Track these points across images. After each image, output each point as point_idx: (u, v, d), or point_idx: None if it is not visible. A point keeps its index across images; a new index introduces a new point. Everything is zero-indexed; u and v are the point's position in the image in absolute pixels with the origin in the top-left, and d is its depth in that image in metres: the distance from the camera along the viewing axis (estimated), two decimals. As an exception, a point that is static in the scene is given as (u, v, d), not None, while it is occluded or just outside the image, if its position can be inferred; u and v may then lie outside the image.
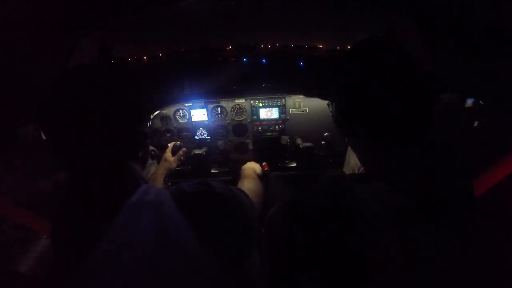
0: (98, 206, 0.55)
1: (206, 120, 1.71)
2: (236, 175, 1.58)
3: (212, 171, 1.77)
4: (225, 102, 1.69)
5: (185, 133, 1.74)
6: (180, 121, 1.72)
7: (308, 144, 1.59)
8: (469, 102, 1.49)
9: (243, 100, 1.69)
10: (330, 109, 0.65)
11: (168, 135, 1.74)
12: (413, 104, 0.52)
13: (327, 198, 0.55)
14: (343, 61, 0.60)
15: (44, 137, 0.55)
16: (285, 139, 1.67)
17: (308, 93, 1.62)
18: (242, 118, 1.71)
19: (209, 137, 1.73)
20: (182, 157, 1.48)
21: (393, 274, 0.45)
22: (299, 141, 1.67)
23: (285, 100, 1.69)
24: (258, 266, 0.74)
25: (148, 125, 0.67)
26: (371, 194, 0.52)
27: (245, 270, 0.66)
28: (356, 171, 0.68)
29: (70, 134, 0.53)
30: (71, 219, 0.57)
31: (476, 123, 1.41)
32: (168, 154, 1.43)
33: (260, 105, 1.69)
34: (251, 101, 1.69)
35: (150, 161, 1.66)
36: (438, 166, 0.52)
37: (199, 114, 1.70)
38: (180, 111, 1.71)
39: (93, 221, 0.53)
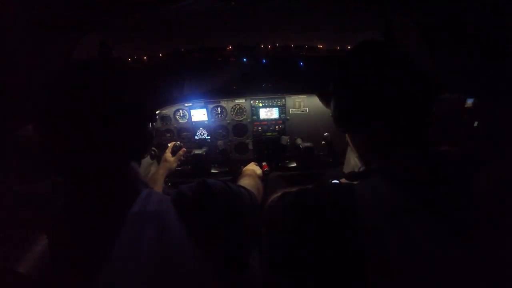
0: (98, 215, 0.54)
1: (206, 120, 1.71)
2: (236, 175, 1.59)
3: (212, 171, 1.77)
4: (225, 102, 1.69)
5: (185, 133, 1.74)
6: (180, 121, 1.72)
7: (308, 144, 1.59)
8: (469, 102, 1.49)
9: (243, 100, 1.69)
10: (328, 106, 0.66)
11: (168, 135, 1.74)
12: (412, 102, 0.53)
13: (326, 191, 0.56)
14: (344, 59, 0.61)
15: (40, 140, 0.54)
16: (285, 139, 1.67)
17: (313, 90, 1.61)
18: (242, 118, 1.71)
19: (209, 137, 1.73)
20: (182, 157, 1.48)
21: (390, 269, 0.45)
22: (299, 141, 1.67)
23: (285, 100, 1.69)
24: (258, 268, 0.74)
25: (152, 126, 0.66)
26: (369, 189, 0.52)
27: (246, 273, 0.66)
28: (356, 171, 0.69)
29: (68, 136, 0.52)
30: (71, 228, 0.56)
31: (476, 123, 1.41)
32: (168, 154, 1.43)
33: (260, 105, 1.69)
34: (251, 101, 1.69)
35: (150, 161, 1.67)
36: (437, 163, 0.53)
37: (199, 114, 1.70)
38: (180, 111, 1.71)
39: (94, 231, 0.53)
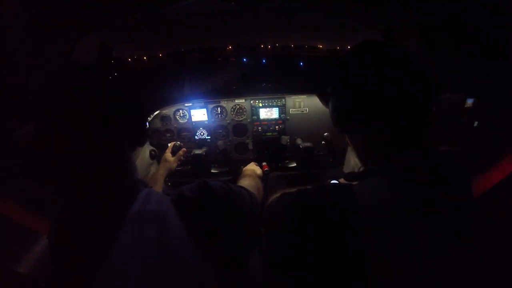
0: (98, 215, 0.54)
1: (206, 120, 1.71)
2: (236, 175, 1.59)
3: (212, 171, 1.77)
4: (225, 102, 1.69)
5: (185, 133, 1.74)
6: (180, 121, 1.72)
7: (308, 144, 1.59)
8: (469, 102, 1.49)
9: (243, 100, 1.68)
10: (328, 106, 0.66)
11: (168, 135, 1.73)
12: (412, 102, 0.53)
13: (326, 191, 0.56)
14: (343, 59, 0.61)
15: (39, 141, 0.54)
16: (285, 139, 1.66)
17: (313, 90, 1.61)
18: (242, 118, 1.71)
19: (209, 137, 1.73)
20: (182, 157, 1.48)
21: (389, 269, 0.45)
22: (299, 141, 1.67)
23: (285, 100, 1.69)
24: (258, 268, 0.74)
25: (146, 126, 0.66)
26: (369, 189, 0.52)
27: (246, 273, 0.66)
28: (356, 171, 0.69)
29: (68, 136, 0.52)
30: (71, 228, 0.56)
31: (476, 123, 1.41)
32: (168, 154, 1.43)
33: (260, 105, 1.69)
34: (251, 101, 1.69)
35: (150, 161, 1.67)
36: (437, 163, 0.53)
37: (199, 114, 1.70)
38: (180, 111, 1.71)
39: (93, 231, 0.53)
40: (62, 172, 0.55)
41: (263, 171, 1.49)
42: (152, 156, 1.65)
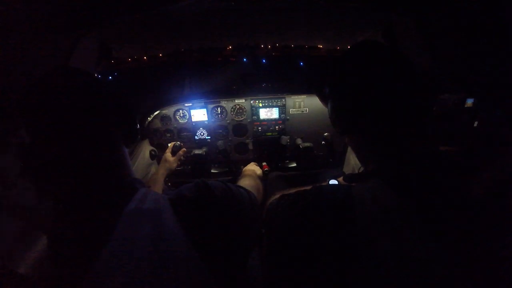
0: (96, 214, 0.54)
1: (206, 120, 1.71)
2: (236, 175, 1.59)
3: (212, 171, 1.77)
4: (225, 102, 1.69)
5: (185, 133, 1.74)
6: (180, 121, 1.72)
7: (308, 144, 1.59)
8: (469, 102, 1.49)
9: (243, 100, 1.69)
10: (327, 107, 0.66)
11: (168, 135, 1.74)
12: (410, 102, 0.53)
13: (325, 192, 0.56)
14: (341, 59, 0.61)
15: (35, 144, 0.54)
16: (285, 139, 1.67)
17: (313, 90, 1.61)
18: (242, 118, 1.71)
19: (209, 137, 1.74)
20: (182, 157, 1.48)
21: (384, 274, 0.45)
22: (299, 141, 1.67)
23: (285, 100, 1.69)
24: (258, 268, 0.74)
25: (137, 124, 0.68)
26: (368, 191, 0.52)
27: (246, 273, 0.66)
28: (356, 171, 0.69)
29: (67, 138, 0.52)
30: (70, 227, 0.56)
31: (476, 123, 1.41)
32: (168, 154, 1.43)
33: (260, 105, 1.69)
34: (251, 101, 1.69)
35: (150, 161, 1.67)
36: (437, 163, 0.53)
37: (199, 114, 1.70)
38: (180, 111, 1.71)
39: (92, 231, 0.53)
40: (61, 172, 0.55)
41: (263, 171, 1.50)
42: (152, 156, 1.65)
